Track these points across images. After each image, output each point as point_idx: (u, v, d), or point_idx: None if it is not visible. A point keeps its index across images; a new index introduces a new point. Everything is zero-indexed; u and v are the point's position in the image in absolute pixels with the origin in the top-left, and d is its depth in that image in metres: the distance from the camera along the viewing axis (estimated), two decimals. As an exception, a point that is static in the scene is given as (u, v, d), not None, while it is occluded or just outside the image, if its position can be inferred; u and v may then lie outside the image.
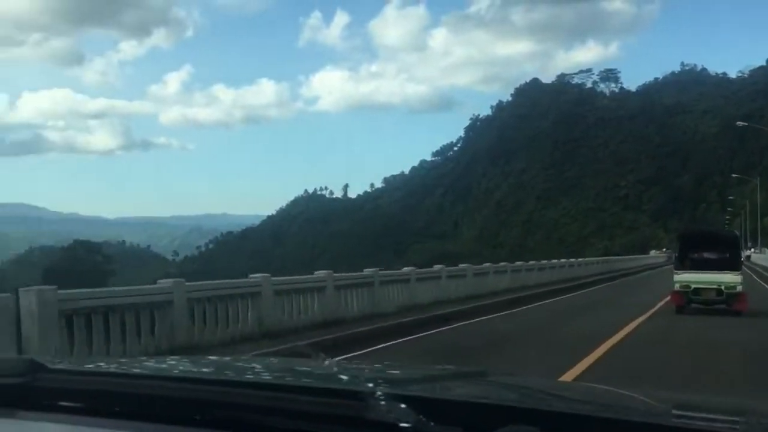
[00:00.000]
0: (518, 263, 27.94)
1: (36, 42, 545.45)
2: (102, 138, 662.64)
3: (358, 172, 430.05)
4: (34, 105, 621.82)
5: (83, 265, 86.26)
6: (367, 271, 16.57)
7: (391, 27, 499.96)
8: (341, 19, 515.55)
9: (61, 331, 8.65)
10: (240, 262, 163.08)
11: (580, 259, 41.73)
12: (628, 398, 1.23)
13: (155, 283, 10.93)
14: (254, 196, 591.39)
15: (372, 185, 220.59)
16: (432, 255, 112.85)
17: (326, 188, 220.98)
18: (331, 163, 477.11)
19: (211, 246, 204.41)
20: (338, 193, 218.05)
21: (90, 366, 1.39)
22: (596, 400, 1.26)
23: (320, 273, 14.32)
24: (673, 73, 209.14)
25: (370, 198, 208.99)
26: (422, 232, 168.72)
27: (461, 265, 22.69)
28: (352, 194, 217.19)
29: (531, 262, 29.82)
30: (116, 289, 10.47)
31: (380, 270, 17.22)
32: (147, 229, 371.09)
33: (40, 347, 8.08)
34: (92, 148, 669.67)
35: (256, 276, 12.38)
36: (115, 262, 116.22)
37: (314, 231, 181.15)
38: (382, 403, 0.98)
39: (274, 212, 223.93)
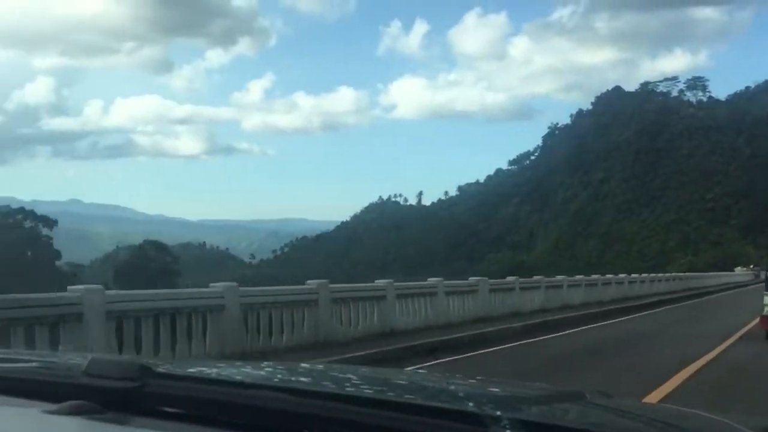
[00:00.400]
0: (594, 276, 26.65)
1: (129, 50, 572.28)
2: (188, 143, 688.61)
3: (432, 179, 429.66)
4: (126, 110, 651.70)
5: (153, 265, 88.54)
6: (431, 280, 16.06)
7: (471, 35, 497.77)
8: (421, 27, 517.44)
9: (108, 332, 8.46)
10: (313, 266, 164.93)
11: (659, 275, 39.70)
12: (719, 423, 1.20)
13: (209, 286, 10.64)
14: (331, 201, 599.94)
15: (446, 193, 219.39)
16: (506, 265, 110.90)
17: (400, 195, 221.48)
18: (405, 170, 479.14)
19: (286, 250, 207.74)
20: (412, 201, 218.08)
21: (194, 371, 1.38)
22: (693, 426, 1.26)
23: (380, 282, 13.80)
24: (766, 81, 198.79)
25: (444, 206, 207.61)
26: (496, 241, 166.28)
27: (535, 277, 21.84)
28: (426, 202, 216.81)
29: (608, 276, 28.39)
30: (166, 291, 10.22)
31: (446, 280, 16.67)
32: (227, 232, 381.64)
33: (85, 348, 7.88)
34: (178, 152, 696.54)
35: (313, 283, 11.94)
36: (183, 263, 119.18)
37: (387, 237, 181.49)
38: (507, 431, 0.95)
39: (348, 218, 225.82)
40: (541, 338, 14.67)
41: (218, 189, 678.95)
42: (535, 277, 21.80)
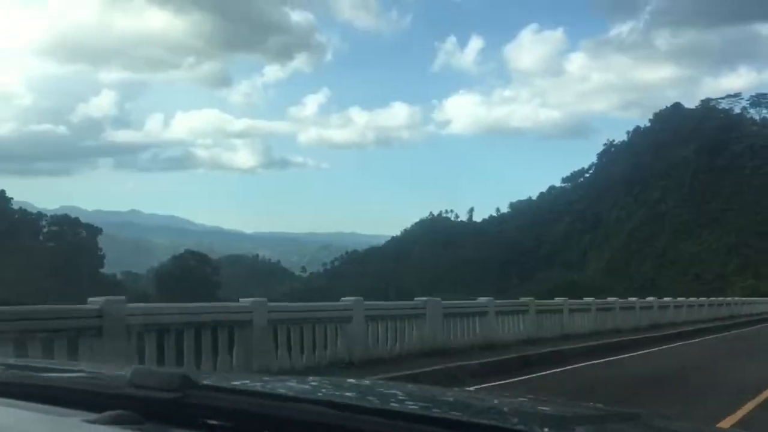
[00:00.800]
0: (650, 299, 25.39)
1: (189, 65, 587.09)
2: (244, 156, 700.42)
3: (484, 195, 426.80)
4: (186, 124, 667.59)
5: (194, 276, 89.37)
6: (481, 299, 15.53)
7: (527, 51, 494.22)
8: (476, 43, 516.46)
9: (129, 344, 8.10)
10: (362, 281, 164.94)
11: (720, 299, 37.83)
12: None
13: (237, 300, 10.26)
14: (383, 216, 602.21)
15: (498, 209, 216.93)
16: (557, 284, 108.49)
17: (451, 211, 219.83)
18: (458, 186, 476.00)
19: (336, 264, 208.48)
20: (463, 217, 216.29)
21: (237, 384, 1.36)
22: None
23: (420, 299, 13.25)
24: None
25: (495, 222, 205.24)
26: (548, 259, 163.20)
27: (586, 299, 20.90)
28: (477, 218, 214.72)
29: (665, 299, 27.02)
30: (192, 305, 9.86)
31: (497, 299, 16.08)
32: (280, 244, 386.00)
33: (108, 360, 7.54)
34: (235, 165, 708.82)
35: (347, 300, 11.51)
36: (234, 275, 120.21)
37: (437, 253, 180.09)
38: None
39: (398, 233, 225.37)
40: (593, 362, 13.83)
41: (273, 202, 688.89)
42: (586, 299, 20.86)
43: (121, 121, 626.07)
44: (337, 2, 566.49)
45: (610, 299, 22.60)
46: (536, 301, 17.52)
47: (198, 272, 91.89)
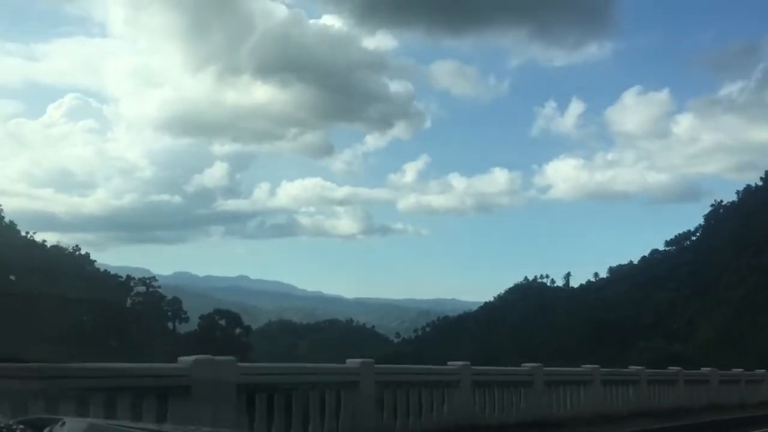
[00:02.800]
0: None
1: (293, 136, 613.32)
2: (346, 223, 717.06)
3: (583, 260, 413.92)
4: (290, 192, 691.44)
5: (223, 336, 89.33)
6: (586, 367, 14.71)
7: (630, 113, 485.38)
8: (576, 107, 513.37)
9: (238, 406, 8.09)
10: (454, 347, 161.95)
11: None
12: None
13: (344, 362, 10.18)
14: (484, 282, 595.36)
15: (596, 274, 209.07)
16: (659, 356, 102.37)
17: (547, 276, 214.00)
18: (556, 251, 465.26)
19: (428, 329, 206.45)
20: (559, 282, 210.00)
21: None
22: None
23: (527, 366, 12.84)
24: None
25: (594, 288, 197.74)
26: (651, 328, 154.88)
27: (703, 369, 19.54)
28: (575, 283, 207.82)
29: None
30: (294, 365, 9.91)
31: (602, 368, 15.18)
32: (379, 310, 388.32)
33: (213, 422, 7.41)
34: (337, 232, 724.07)
35: (455, 364, 11.34)
36: (324, 339, 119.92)
37: (532, 320, 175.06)
38: None
39: (492, 298, 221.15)
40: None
41: (373, 268, 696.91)
42: (704, 369, 19.46)
43: (231, 191, 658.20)
44: (435, 71, 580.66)
45: (736, 371, 20.99)
46: (647, 370, 16.47)
47: (227, 333, 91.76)
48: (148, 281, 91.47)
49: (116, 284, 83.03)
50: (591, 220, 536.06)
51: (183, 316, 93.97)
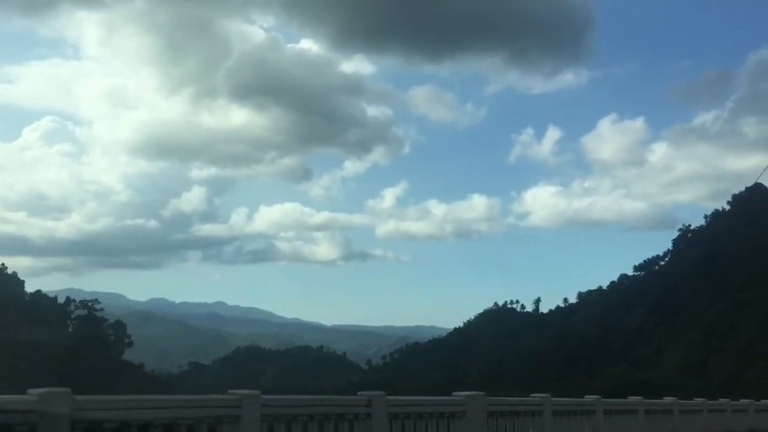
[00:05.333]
0: (744, 402, 21.81)
1: (271, 159, 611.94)
2: (325, 249, 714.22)
3: (554, 286, 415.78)
4: (268, 217, 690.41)
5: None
6: (535, 396, 13.48)
7: (606, 141, 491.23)
8: (553, 134, 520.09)
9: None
10: (422, 374, 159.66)
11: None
12: None
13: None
14: (461, 308, 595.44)
15: (566, 300, 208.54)
16: (626, 383, 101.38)
17: (517, 301, 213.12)
18: (529, 277, 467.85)
19: (395, 356, 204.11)
20: (530, 307, 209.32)
21: None
22: None
23: (461, 394, 11.58)
24: None
25: (563, 314, 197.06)
26: (619, 354, 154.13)
27: (666, 399, 18.03)
28: (544, 309, 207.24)
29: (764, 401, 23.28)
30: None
31: (553, 397, 13.70)
32: (358, 337, 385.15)
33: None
34: (316, 257, 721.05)
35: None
36: (289, 366, 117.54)
37: (500, 346, 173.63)
38: None
39: (461, 324, 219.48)
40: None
41: (352, 295, 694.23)
42: (666, 399, 17.93)
43: (208, 215, 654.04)
44: (413, 96, 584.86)
45: (698, 400, 19.45)
46: (605, 400, 14.85)
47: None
48: (90, 303, 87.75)
49: (53, 307, 79.53)
50: (567, 246, 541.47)
51: (126, 341, 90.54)
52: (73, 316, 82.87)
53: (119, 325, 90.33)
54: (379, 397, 9.41)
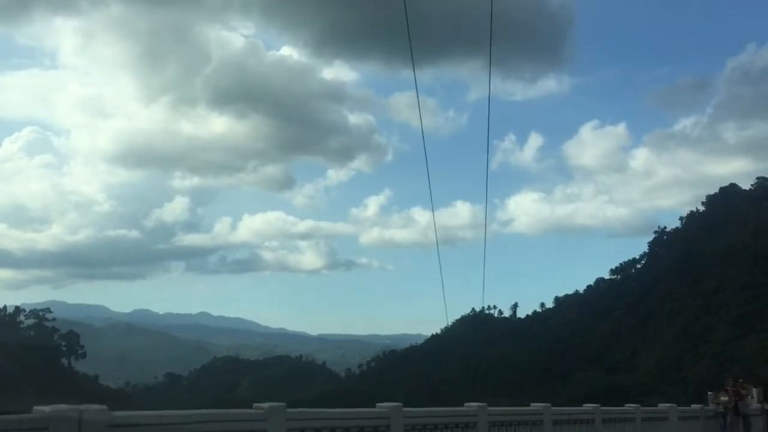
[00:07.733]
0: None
1: (253, 167, 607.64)
2: (309, 258, 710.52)
3: (532, 291, 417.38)
4: (252, 226, 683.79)
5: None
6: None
7: (588, 147, 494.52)
8: (535, 141, 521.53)
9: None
10: (399, 382, 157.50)
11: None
12: None
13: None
14: (442, 315, 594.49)
15: (542, 305, 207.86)
16: (597, 386, 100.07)
17: (495, 307, 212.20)
18: (505, 283, 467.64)
19: (372, 364, 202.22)
20: (507, 313, 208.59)
21: None
22: None
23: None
24: None
25: (540, 318, 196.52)
26: (594, 359, 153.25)
27: (628, 406, 16.41)
28: (522, 314, 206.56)
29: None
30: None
31: (496, 407, 11.95)
32: (343, 346, 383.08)
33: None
34: (301, 267, 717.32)
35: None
36: (269, 375, 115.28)
37: (477, 352, 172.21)
38: None
39: (438, 331, 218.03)
40: None
41: (337, 304, 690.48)
42: (628, 406, 16.22)
43: (191, 225, 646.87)
44: (395, 103, 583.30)
45: (663, 406, 17.77)
46: (553, 408, 13.15)
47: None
48: (41, 313, 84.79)
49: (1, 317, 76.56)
50: (549, 253, 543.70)
51: (80, 351, 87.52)
52: (23, 325, 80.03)
53: (71, 336, 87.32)
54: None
